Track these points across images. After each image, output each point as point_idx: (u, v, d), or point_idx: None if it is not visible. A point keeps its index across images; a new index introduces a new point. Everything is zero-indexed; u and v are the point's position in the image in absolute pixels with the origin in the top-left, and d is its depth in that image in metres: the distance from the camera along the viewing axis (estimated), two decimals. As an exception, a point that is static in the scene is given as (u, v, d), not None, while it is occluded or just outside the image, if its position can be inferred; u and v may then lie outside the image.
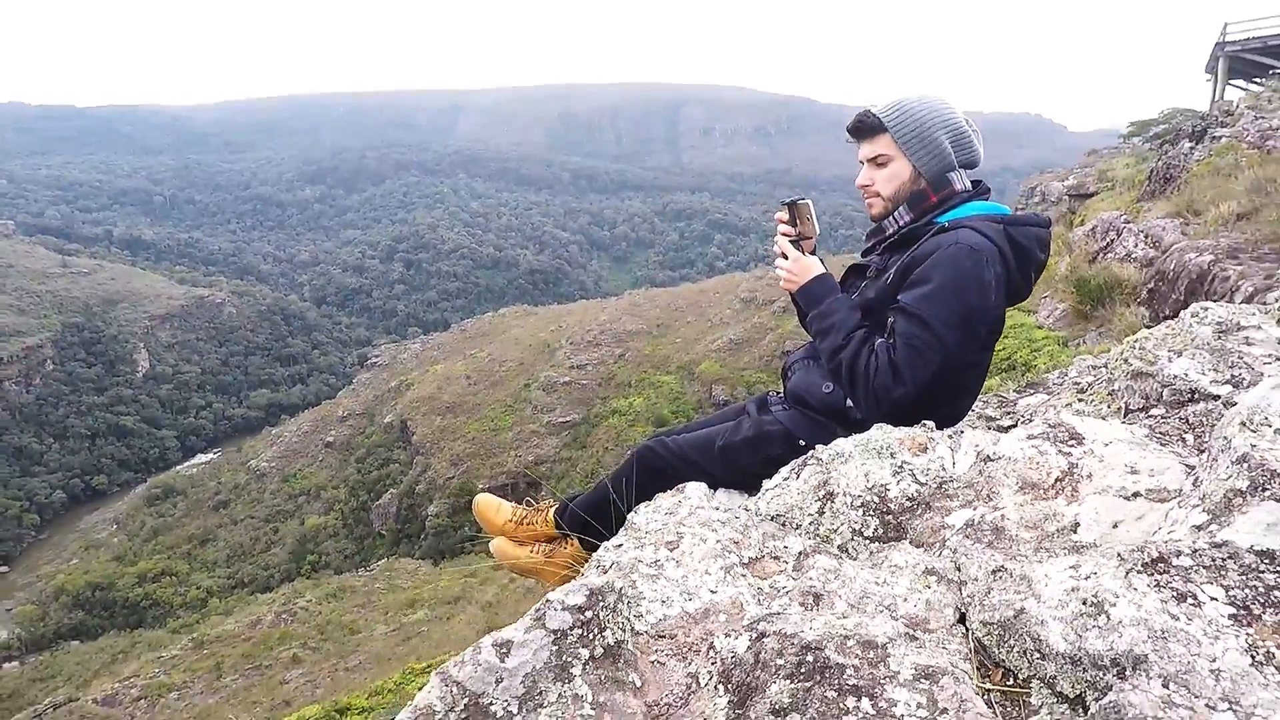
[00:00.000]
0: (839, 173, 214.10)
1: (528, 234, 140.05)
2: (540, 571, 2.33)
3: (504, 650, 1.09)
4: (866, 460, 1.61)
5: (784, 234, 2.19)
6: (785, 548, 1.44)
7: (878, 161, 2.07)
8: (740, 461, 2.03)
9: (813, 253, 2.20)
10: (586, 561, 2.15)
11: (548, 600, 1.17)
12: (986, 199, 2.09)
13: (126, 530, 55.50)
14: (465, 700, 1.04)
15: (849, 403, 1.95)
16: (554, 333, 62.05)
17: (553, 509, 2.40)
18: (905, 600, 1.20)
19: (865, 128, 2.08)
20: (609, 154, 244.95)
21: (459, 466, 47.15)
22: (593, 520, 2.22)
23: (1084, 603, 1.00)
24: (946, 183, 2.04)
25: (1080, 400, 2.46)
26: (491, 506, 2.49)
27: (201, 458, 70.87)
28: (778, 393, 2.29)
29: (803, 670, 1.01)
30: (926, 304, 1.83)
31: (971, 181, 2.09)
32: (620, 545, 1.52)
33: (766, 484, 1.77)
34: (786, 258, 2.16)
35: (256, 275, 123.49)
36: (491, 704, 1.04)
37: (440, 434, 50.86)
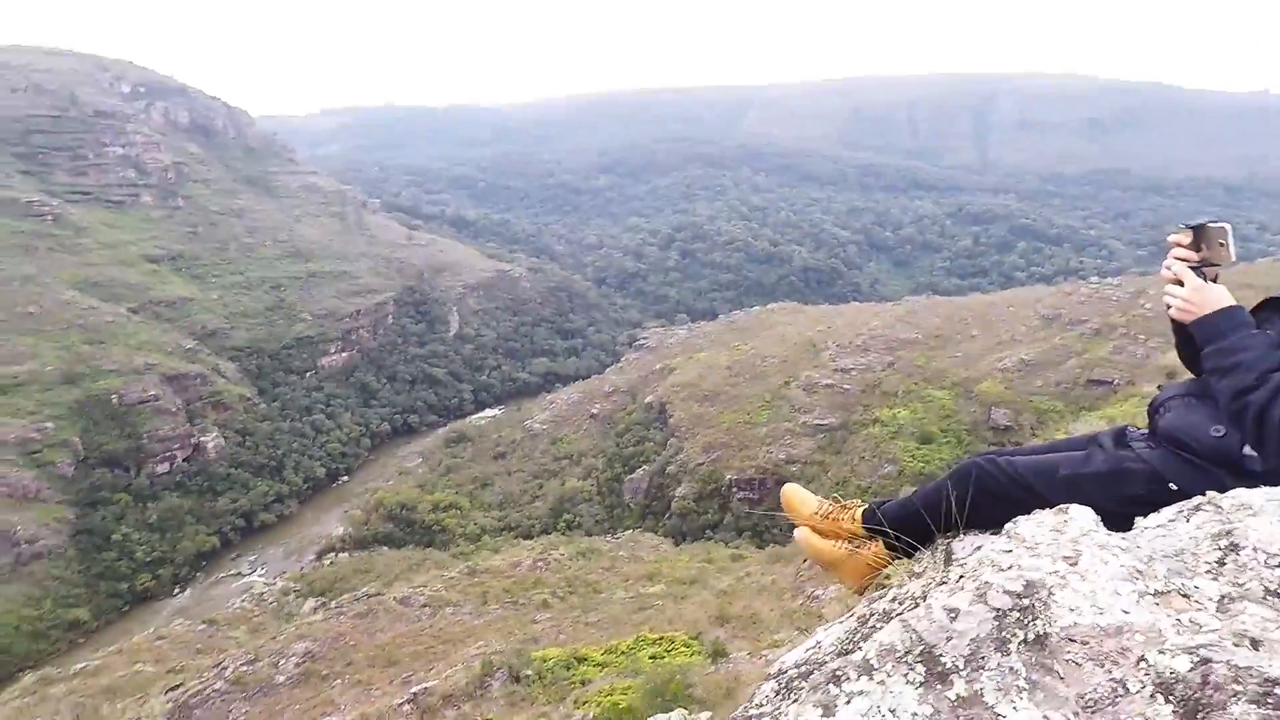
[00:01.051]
0: (1194, 173, 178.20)
1: (805, 230, 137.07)
2: (842, 566, 2.39)
3: (952, 614, 1.29)
4: (1285, 519, 1.50)
5: (1181, 258, 2.05)
6: (1196, 588, 1.43)
7: None
8: (1089, 494, 1.92)
9: (1215, 281, 2.02)
10: (888, 564, 2.28)
11: (987, 581, 1.36)
12: None
13: (429, 464, 65.60)
14: (920, 647, 1.26)
15: (1247, 450, 1.80)
16: (821, 333, 60.27)
17: (861, 509, 2.45)
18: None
19: None
20: (902, 150, 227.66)
21: (710, 454, 47.92)
22: (903, 528, 2.25)
23: None
24: None
25: None
26: (799, 497, 2.58)
27: (489, 412, 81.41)
28: (1139, 428, 2.19)
29: (1270, 700, 1.09)
30: None
31: None
32: (1011, 551, 1.57)
33: (1143, 522, 1.71)
34: (1182, 284, 2.03)
35: (550, 254, 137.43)
36: (941, 655, 1.25)
37: (696, 420, 52.13)
